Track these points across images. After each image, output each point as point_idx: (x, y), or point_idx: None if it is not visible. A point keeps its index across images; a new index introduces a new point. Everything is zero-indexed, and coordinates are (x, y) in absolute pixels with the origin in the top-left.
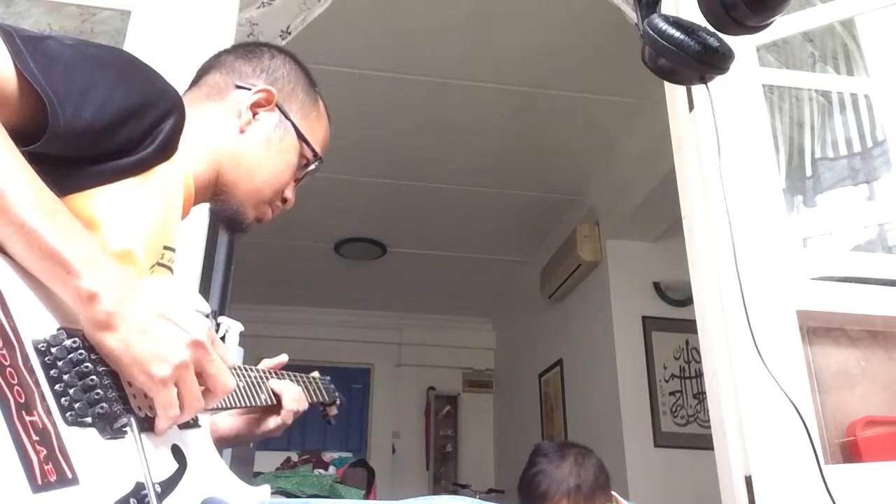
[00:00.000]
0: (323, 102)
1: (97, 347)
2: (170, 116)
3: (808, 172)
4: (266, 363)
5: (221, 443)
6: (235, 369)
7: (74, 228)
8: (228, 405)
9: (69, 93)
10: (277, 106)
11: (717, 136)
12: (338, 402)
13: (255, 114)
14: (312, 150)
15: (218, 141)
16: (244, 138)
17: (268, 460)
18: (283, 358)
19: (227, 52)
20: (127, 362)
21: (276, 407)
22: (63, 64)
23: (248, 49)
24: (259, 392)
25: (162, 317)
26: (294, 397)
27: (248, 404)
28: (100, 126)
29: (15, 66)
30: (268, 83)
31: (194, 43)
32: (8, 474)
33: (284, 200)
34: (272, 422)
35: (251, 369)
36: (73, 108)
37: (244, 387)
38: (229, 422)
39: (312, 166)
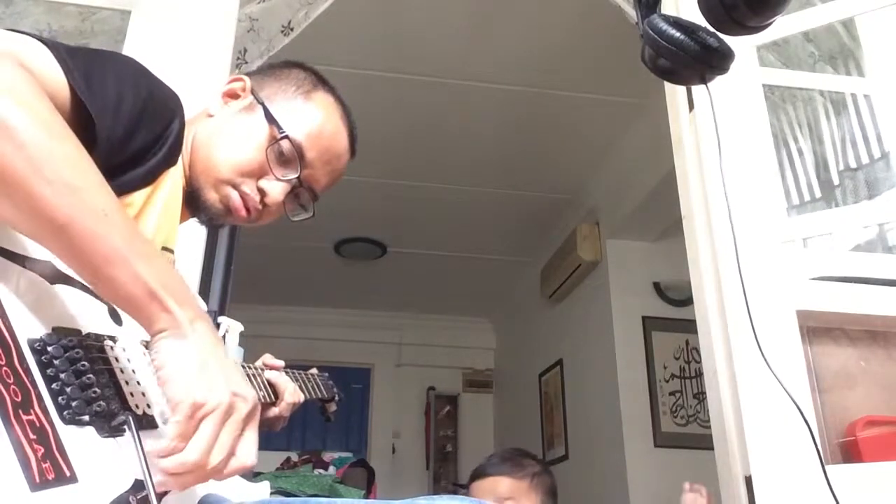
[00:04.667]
0: (336, 99)
1: (158, 364)
2: (174, 120)
3: (816, 175)
4: (267, 359)
5: None
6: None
7: (160, 256)
8: None
9: (107, 108)
10: (252, 93)
11: (718, 136)
12: (336, 398)
13: (226, 102)
14: (279, 126)
15: (196, 133)
16: (212, 121)
17: (268, 460)
18: (281, 363)
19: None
20: (178, 377)
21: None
22: (98, 79)
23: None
24: (256, 389)
25: (231, 364)
26: (290, 390)
27: None
28: (128, 138)
29: (69, 83)
30: (254, 81)
31: (194, 41)
32: (6, 473)
33: (263, 193)
34: (270, 413)
35: (249, 366)
36: (112, 122)
37: None
38: None
39: (297, 173)
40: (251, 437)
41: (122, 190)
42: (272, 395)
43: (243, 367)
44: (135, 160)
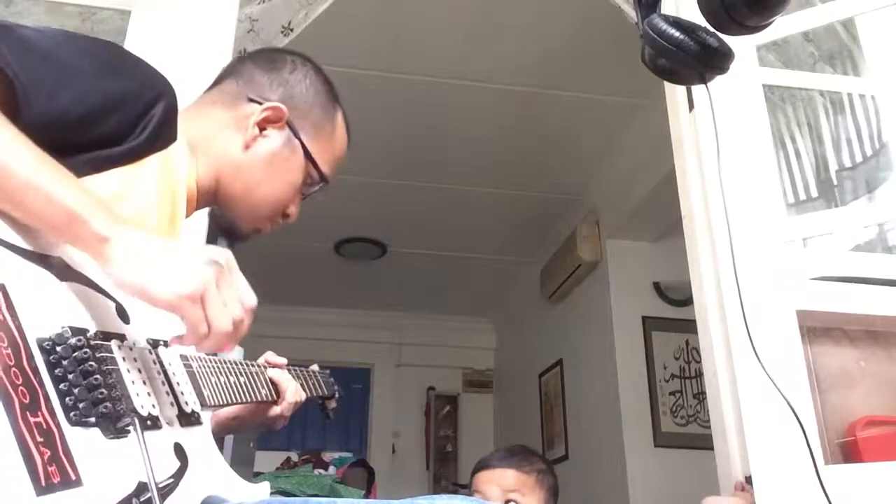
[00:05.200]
0: (343, 117)
1: (120, 284)
2: (158, 103)
3: (815, 174)
4: (270, 357)
5: (222, 427)
6: (235, 364)
7: (80, 184)
8: (230, 401)
9: (43, 79)
10: (288, 124)
11: (717, 136)
12: (336, 395)
13: (262, 129)
14: (319, 172)
15: (222, 151)
16: (248, 154)
17: (268, 460)
18: (284, 361)
19: (250, 59)
20: (149, 281)
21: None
22: (40, 52)
23: (270, 58)
24: (259, 387)
25: (178, 243)
26: (292, 389)
27: (249, 400)
28: (77, 114)
29: None
30: (282, 98)
31: (194, 41)
32: (12, 476)
33: (287, 216)
34: (272, 412)
35: (252, 364)
36: (48, 95)
37: (245, 382)
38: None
39: (317, 187)
40: (243, 283)
41: (94, 166)
42: (274, 394)
43: (246, 364)
44: (114, 139)
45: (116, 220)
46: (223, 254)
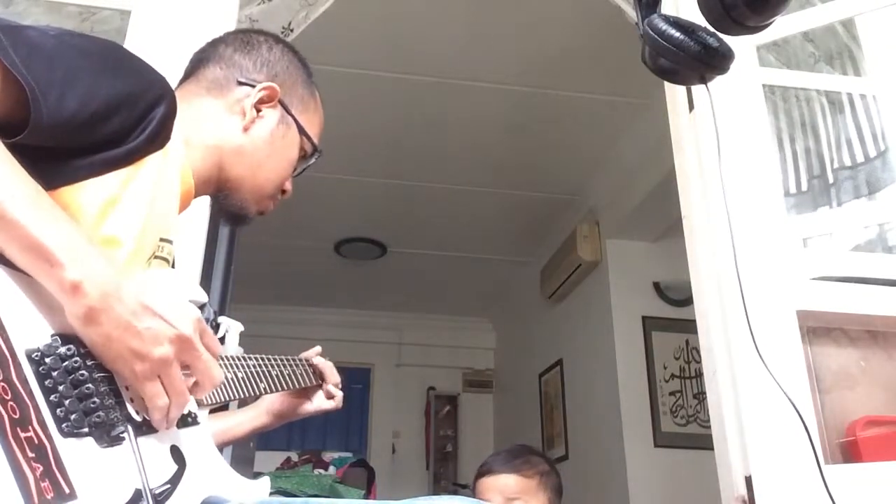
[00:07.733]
0: (318, 92)
1: (82, 338)
2: (159, 104)
3: (815, 174)
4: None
5: (278, 418)
6: (234, 359)
7: (58, 219)
8: (221, 399)
9: (52, 82)
10: (279, 101)
11: (717, 136)
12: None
13: (258, 111)
14: (313, 144)
15: (220, 138)
16: (248, 136)
17: (268, 460)
18: (317, 349)
19: (223, 42)
20: (110, 357)
21: (316, 387)
22: (46, 53)
23: (245, 41)
24: (258, 382)
25: (147, 310)
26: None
27: (244, 395)
28: (85, 116)
29: None
30: (269, 78)
31: (194, 42)
32: (4, 496)
33: (283, 192)
34: (314, 403)
35: (251, 358)
36: (57, 97)
37: (243, 377)
38: (281, 400)
39: (312, 160)
40: (204, 363)
41: (93, 170)
42: (317, 378)
43: (247, 359)
44: (114, 141)
45: (90, 269)
46: (189, 321)
